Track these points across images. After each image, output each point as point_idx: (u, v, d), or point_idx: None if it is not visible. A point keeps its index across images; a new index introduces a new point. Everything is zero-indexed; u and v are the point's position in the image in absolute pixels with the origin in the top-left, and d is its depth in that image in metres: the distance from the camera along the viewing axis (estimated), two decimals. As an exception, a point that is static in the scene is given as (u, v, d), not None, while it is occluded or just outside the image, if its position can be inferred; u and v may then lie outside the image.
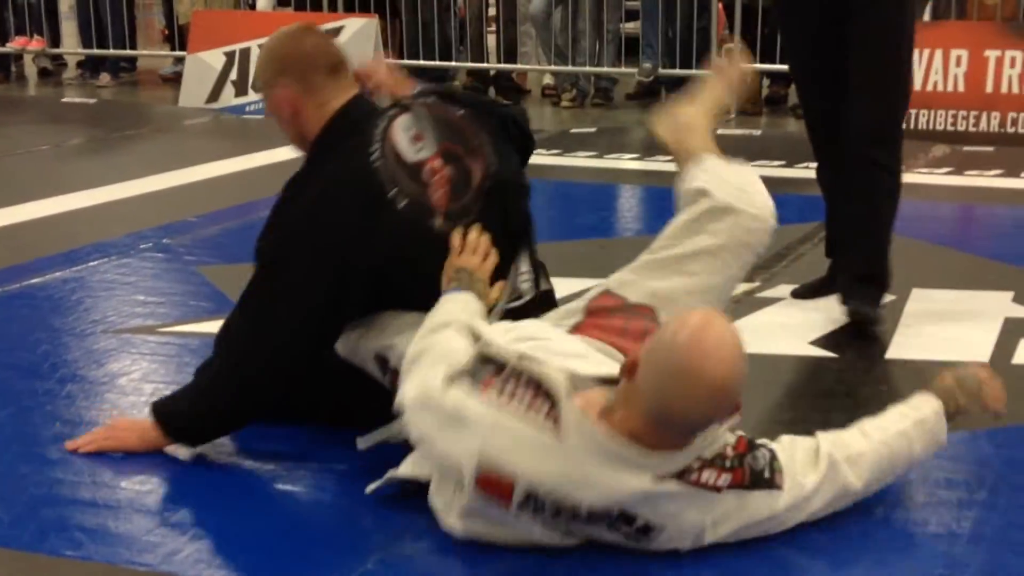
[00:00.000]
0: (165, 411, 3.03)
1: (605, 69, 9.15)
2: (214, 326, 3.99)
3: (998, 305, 4.37)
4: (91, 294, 4.52)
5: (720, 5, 8.92)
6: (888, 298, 4.27)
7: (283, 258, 2.98)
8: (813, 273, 4.47)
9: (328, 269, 2.92)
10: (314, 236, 2.95)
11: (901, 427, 2.80)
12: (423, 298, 2.87)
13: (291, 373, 2.98)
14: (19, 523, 2.76)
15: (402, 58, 9.18)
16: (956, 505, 2.85)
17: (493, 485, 2.46)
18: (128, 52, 10.58)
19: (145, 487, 2.96)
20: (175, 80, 9.66)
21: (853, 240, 4.25)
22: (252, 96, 8.85)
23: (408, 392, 2.61)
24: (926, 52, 7.71)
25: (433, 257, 2.91)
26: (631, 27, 9.48)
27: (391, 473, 2.81)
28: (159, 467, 3.06)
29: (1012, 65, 7.58)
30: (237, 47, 8.99)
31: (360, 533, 2.74)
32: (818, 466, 2.64)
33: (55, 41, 10.71)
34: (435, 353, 2.65)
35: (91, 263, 4.89)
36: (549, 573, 2.54)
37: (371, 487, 2.81)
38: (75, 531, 2.72)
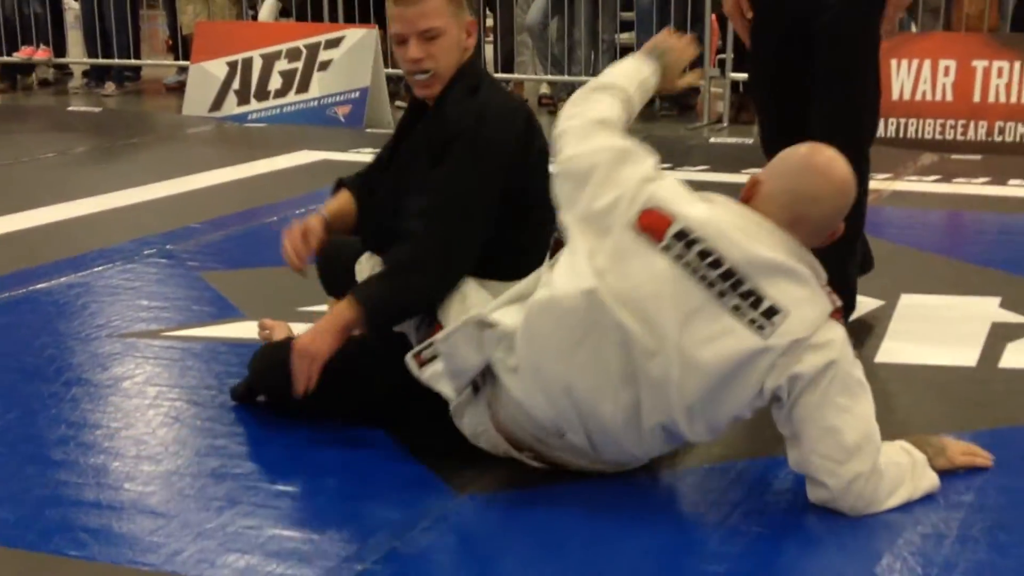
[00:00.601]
0: (364, 295, 3.13)
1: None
2: (217, 330, 4.05)
3: (985, 310, 4.37)
4: (96, 299, 4.52)
5: (714, 16, 8.93)
6: (877, 303, 4.31)
7: (489, 143, 3.16)
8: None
9: (511, 163, 3.18)
10: (515, 130, 3.22)
11: (899, 460, 2.85)
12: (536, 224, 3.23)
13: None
14: (24, 523, 2.77)
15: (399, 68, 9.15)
16: (944, 506, 2.85)
17: (653, 218, 2.74)
18: (133, 62, 10.60)
19: (148, 488, 2.96)
20: (179, 89, 9.67)
21: (831, 250, 4.24)
22: (254, 105, 8.88)
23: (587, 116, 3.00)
24: (915, 62, 7.74)
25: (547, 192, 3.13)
26: (626, 37, 9.48)
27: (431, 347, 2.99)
28: (163, 469, 3.07)
29: (999, 75, 7.61)
30: (240, 57, 9.00)
31: (364, 529, 2.75)
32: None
33: (60, 51, 10.71)
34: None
35: (96, 268, 4.89)
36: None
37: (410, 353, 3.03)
38: (79, 531, 2.72)
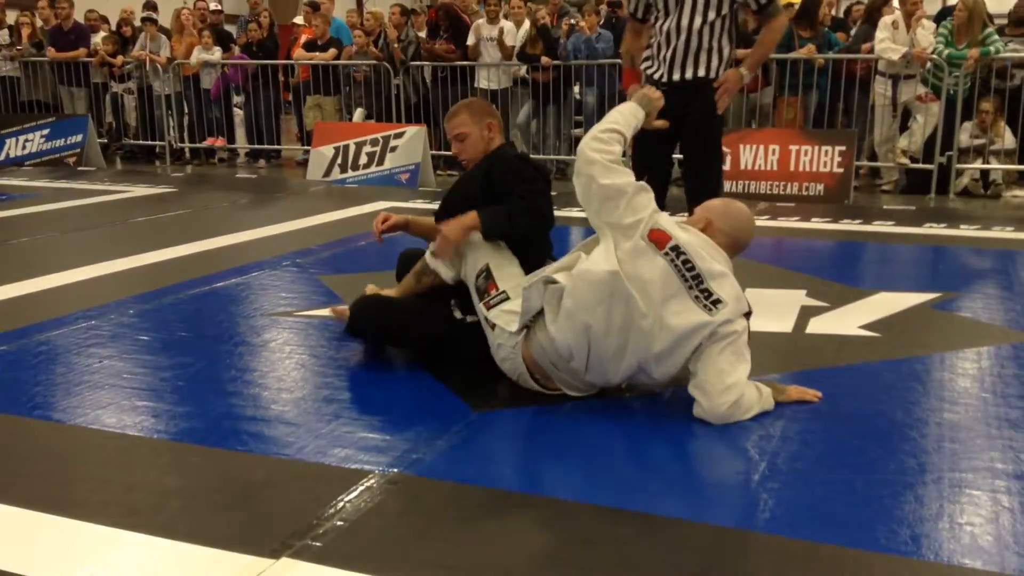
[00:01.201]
0: (485, 218, 3.15)
1: (562, 157, 9.14)
2: (327, 311, 4.03)
3: (797, 297, 4.35)
4: (253, 292, 4.50)
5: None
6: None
7: (535, 175, 3.28)
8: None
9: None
10: (539, 170, 3.36)
11: (753, 393, 2.87)
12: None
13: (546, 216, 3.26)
14: (208, 430, 2.78)
15: (440, 150, 9.18)
16: (771, 418, 2.86)
17: (659, 235, 2.81)
18: (276, 147, 10.57)
19: (286, 408, 2.95)
20: (304, 164, 9.65)
21: None
22: (350, 173, 8.87)
23: (603, 153, 2.95)
24: (754, 146, 7.73)
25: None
26: (578, 132, 9.46)
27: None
28: (295, 396, 3.07)
29: (805, 154, 7.60)
30: (341, 144, 8.98)
31: (417, 433, 2.74)
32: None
33: (231, 139, 10.70)
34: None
35: (253, 273, 4.87)
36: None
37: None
38: (243, 435, 2.73)
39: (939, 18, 8.31)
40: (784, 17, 4.12)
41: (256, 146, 10.38)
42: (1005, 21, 8.24)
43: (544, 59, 8.71)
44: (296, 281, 4.78)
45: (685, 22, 3.91)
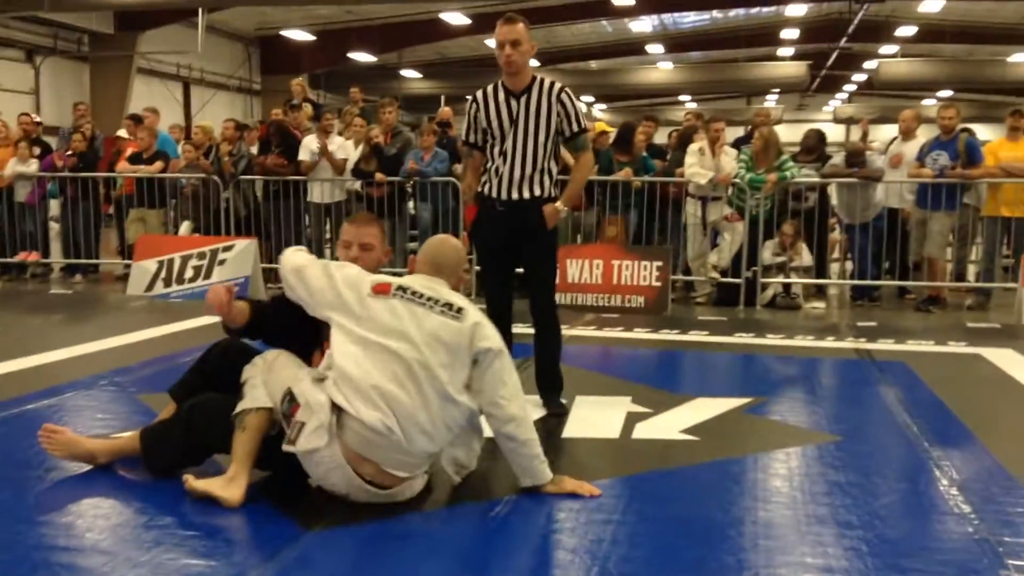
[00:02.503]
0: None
1: (398, 270, 9.15)
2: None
3: (623, 404, 4.50)
4: (66, 414, 4.24)
5: (465, 233, 9.03)
6: (564, 400, 4.41)
7: None
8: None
9: None
10: None
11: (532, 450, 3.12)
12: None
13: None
14: (17, 563, 2.58)
15: (271, 263, 9.08)
16: (602, 523, 2.94)
17: (380, 287, 3.10)
18: (94, 261, 10.13)
19: (102, 536, 2.78)
20: (125, 279, 9.26)
21: (545, 367, 4.39)
22: (175, 287, 8.59)
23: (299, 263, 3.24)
24: (580, 261, 8.06)
25: None
26: (413, 244, 9.55)
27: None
28: (111, 523, 2.89)
29: (627, 268, 7.98)
30: (165, 257, 8.73)
31: (244, 556, 2.63)
32: None
33: (46, 254, 10.17)
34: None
35: (66, 394, 4.61)
36: None
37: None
38: (55, 567, 2.55)
39: (737, 144, 9.07)
40: (590, 154, 4.44)
41: (72, 260, 9.90)
42: (797, 148, 9.10)
43: (378, 176, 8.87)
44: (113, 401, 4.56)
45: (519, 145, 4.19)
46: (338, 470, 2.94)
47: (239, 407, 3.08)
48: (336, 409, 2.91)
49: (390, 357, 2.95)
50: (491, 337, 3.10)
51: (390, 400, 2.90)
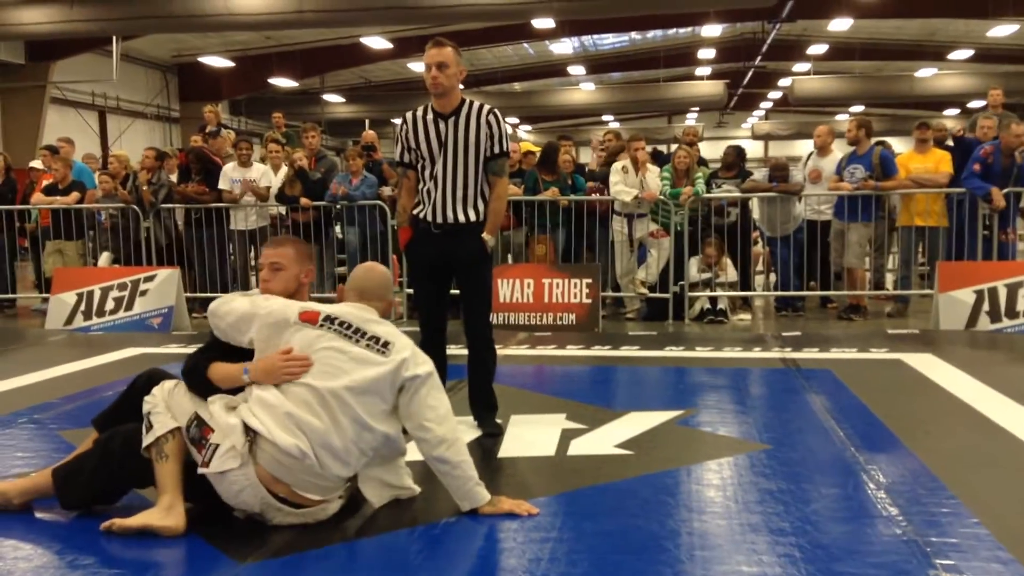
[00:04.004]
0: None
1: (326, 294, 9.04)
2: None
3: (558, 421, 4.51)
4: (-17, 455, 4.09)
5: (394, 256, 9.02)
6: (499, 420, 4.39)
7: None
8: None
9: None
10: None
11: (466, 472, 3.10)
12: None
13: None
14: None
15: (195, 292, 8.89)
16: (540, 541, 2.93)
17: (309, 314, 3.09)
18: (10, 296, 9.80)
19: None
20: (42, 313, 8.98)
21: (479, 388, 4.38)
22: (95, 320, 8.35)
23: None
24: (511, 280, 8.09)
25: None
26: (342, 269, 9.47)
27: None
28: (35, 564, 2.78)
29: (557, 287, 8.03)
30: (85, 289, 8.47)
31: None
32: None
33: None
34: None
35: (-17, 434, 4.43)
36: None
37: None
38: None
39: (660, 161, 9.21)
40: (505, 182, 4.39)
41: (-15, 295, 9.56)
42: (719, 165, 9.29)
43: (303, 200, 8.77)
44: (33, 439, 4.39)
45: (450, 168, 4.17)
46: (250, 489, 2.94)
47: (150, 437, 3.02)
48: (249, 432, 2.93)
49: (303, 388, 2.98)
50: (420, 364, 3.10)
51: (303, 425, 2.94)
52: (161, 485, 2.99)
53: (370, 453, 3.07)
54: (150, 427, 3.03)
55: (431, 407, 3.07)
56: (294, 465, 2.92)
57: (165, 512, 2.94)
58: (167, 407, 3.06)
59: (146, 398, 3.11)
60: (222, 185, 8.98)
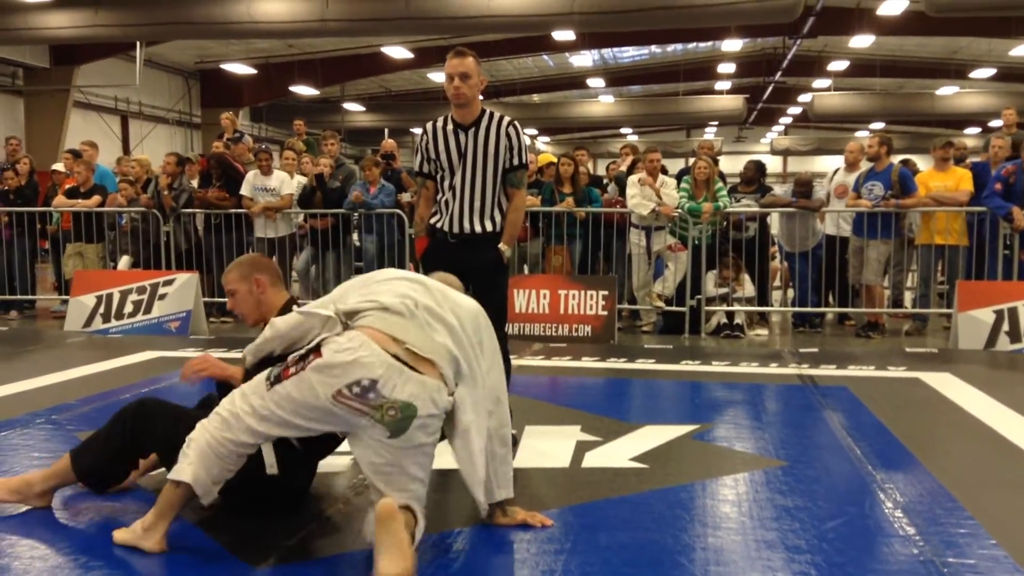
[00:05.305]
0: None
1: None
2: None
3: (573, 433, 4.51)
4: (4, 453, 4.12)
5: (411, 265, 9.07)
6: (513, 431, 4.37)
7: None
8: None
9: None
10: None
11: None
12: None
13: None
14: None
15: (213, 297, 8.94)
16: (553, 553, 2.92)
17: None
18: (30, 297, 9.89)
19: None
20: (62, 315, 9.05)
21: None
22: (114, 323, 8.41)
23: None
24: (527, 291, 8.09)
25: None
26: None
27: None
28: (39, 551, 2.79)
29: (573, 298, 8.04)
30: (104, 292, 8.53)
31: None
32: None
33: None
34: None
35: (2, 433, 4.46)
36: None
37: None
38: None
39: (679, 175, 9.20)
40: (523, 194, 4.36)
41: (7, 296, 9.64)
42: (738, 179, 9.27)
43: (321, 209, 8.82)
44: (51, 439, 4.42)
45: (468, 179, 4.18)
46: (365, 347, 2.74)
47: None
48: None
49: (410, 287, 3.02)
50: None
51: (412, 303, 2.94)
52: (156, 504, 2.92)
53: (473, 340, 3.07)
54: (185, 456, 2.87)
55: (502, 385, 3.14)
56: (405, 322, 2.86)
57: (144, 532, 2.87)
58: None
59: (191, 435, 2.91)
60: (244, 192, 9.04)
